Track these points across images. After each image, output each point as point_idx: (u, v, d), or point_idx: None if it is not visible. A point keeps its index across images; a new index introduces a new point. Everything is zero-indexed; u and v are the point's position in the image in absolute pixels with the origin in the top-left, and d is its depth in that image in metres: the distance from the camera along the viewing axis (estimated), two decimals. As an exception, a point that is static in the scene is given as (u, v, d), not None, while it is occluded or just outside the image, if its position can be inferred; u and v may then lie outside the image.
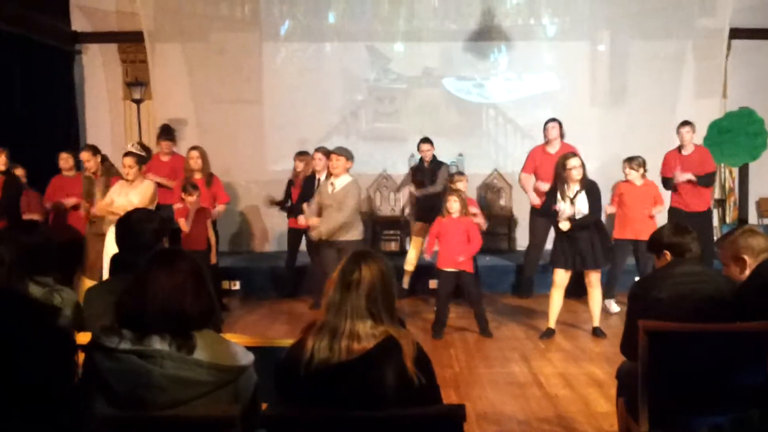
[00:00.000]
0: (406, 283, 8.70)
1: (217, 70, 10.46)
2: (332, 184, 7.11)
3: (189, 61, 10.51)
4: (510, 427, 4.84)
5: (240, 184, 10.50)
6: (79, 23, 10.72)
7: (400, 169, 10.01)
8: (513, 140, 10.66)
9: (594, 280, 6.96)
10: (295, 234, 8.61)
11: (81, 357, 2.47)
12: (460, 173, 8.16)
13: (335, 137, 10.31)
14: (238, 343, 2.62)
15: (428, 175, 8.62)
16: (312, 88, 10.50)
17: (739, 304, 3.65)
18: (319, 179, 7.91)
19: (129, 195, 6.97)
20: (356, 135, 10.55)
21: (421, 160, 8.77)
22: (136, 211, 3.94)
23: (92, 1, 10.74)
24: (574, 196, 6.75)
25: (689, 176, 8.10)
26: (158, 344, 2.39)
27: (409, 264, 8.63)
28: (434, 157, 8.75)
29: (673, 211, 8.27)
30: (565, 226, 6.71)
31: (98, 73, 10.87)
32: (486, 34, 10.50)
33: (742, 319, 3.46)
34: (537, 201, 8.16)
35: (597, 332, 7.05)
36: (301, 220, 7.50)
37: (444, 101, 10.73)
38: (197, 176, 7.89)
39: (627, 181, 7.89)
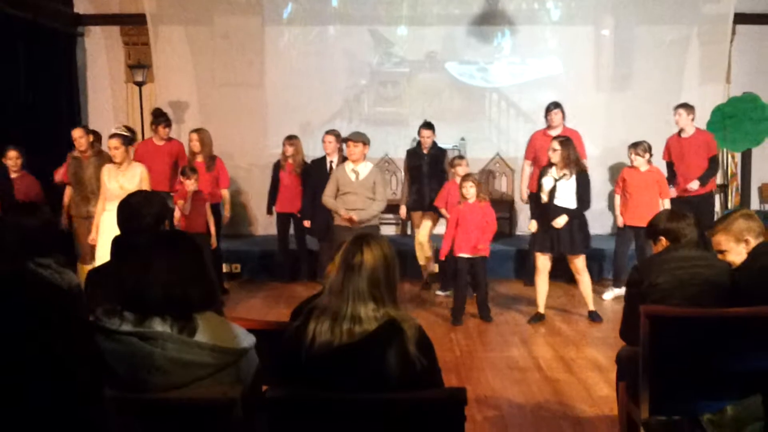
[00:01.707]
0: (426, 276, 8.42)
1: (219, 53, 10.42)
2: (355, 171, 7.10)
3: (191, 44, 10.47)
4: (510, 410, 4.86)
5: (242, 167, 10.48)
6: (81, 5, 10.67)
7: (402, 153, 9.95)
8: (515, 125, 10.60)
9: (579, 265, 6.95)
10: (284, 219, 8.60)
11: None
12: (460, 156, 8.08)
13: (338, 121, 10.29)
14: (239, 326, 2.62)
15: (427, 161, 8.27)
16: (314, 72, 10.46)
17: (737, 286, 3.67)
18: (331, 162, 7.90)
19: (120, 181, 6.74)
20: (359, 119, 10.52)
21: (419, 144, 8.42)
22: (138, 193, 3.94)
23: (94, -17, 10.71)
24: (560, 178, 6.77)
25: (696, 184, 8.15)
26: (160, 326, 2.39)
27: (422, 259, 8.32)
28: (434, 143, 8.43)
29: (672, 200, 8.30)
30: (561, 222, 6.71)
31: (100, 55, 10.82)
32: (490, 19, 10.43)
33: (740, 301, 3.47)
34: (525, 197, 8.52)
35: (593, 316, 7.02)
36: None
37: (447, 85, 10.68)
38: (198, 159, 7.92)
39: (632, 167, 7.80)
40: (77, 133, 7.59)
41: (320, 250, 8.28)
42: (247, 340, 2.55)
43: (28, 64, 9.17)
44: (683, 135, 8.33)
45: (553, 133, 8.12)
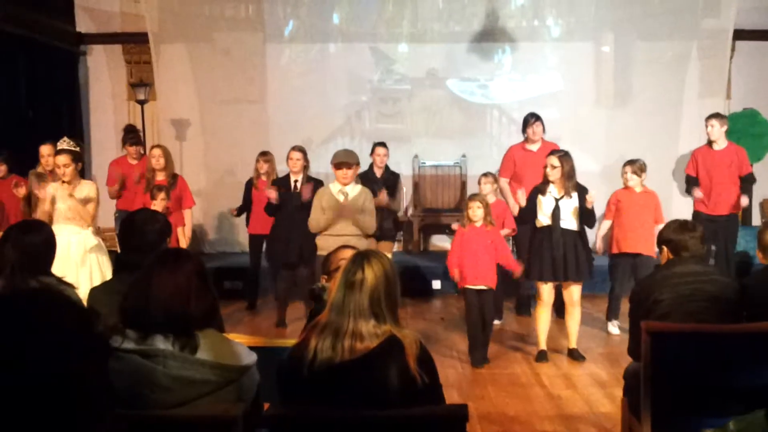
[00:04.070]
0: None
1: (221, 70, 10.46)
2: (343, 192, 6.22)
3: (193, 61, 10.52)
4: (512, 427, 4.84)
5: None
6: (83, 24, 10.74)
7: (404, 170, 9.96)
8: (517, 141, 10.61)
9: (576, 296, 6.21)
10: (257, 240, 8.14)
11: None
12: (486, 173, 7.32)
13: (339, 138, 10.33)
14: (240, 343, 2.63)
15: (381, 185, 7.42)
16: (316, 89, 10.50)
17: (748, 295, 3.69)
18: (296, 182, 7.29)
19: (69, 201, 6.01)
20: (360, 136, 10.54)
21: (371, 167, 7.72)
22: (141, 211, 3.96)
23: (97, 3, 10.75)
24: (561, 197, 6.11)
25: (745, 200, 7.75)
26: (161, 344, 2.39)
27: None
28: (387, 166, 7.80)
29: (696, 215, 7.71)
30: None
31: (102, 74, 10.88)
32: (490, 35, 10.48)
33: (749, 311, 3.49)
34: (515, 209, 7.19)
35: (574, 355, 6.27)
36: None
37: (448, 102, 10.71)
38: (159, 177, 7.29)
39: (625, 187, 7.05)
40: (46, 150, 6.97)
41: (295, 277, 7.37)
42: (249, 357, 2.55)
43: (29, 82, 9.22)
44: (715, 147, 7.75)
45: (533, 147, 7.57)
